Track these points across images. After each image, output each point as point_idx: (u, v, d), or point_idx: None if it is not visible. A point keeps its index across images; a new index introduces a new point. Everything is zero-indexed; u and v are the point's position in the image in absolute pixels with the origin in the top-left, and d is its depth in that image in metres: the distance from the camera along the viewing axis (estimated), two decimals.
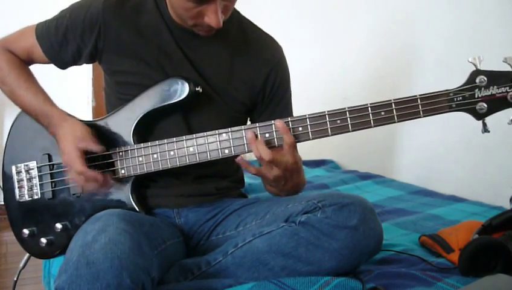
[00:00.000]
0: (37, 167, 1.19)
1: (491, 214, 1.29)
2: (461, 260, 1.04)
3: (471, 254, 1.03)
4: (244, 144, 1.03)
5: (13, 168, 1.22)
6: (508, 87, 0.94)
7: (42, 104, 1.15)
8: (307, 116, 1.00)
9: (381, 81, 2.28)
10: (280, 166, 1.01)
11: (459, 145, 1.85)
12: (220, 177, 1.23)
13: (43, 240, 1.16)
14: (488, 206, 1.64)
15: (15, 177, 1.21)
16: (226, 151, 1.04)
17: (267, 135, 1.01)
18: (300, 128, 1.00)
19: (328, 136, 1.00)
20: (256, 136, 1.02)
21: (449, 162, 1.93)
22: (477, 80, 0.95)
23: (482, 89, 0.95)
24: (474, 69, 0.96)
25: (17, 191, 1.21)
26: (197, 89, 1.09)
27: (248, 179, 1.25)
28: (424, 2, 2.04)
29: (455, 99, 0.96)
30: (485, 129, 0.97)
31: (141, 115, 1.11)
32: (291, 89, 1.25)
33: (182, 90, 1.08)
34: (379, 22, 2.30)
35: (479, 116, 0.96)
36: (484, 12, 1.75)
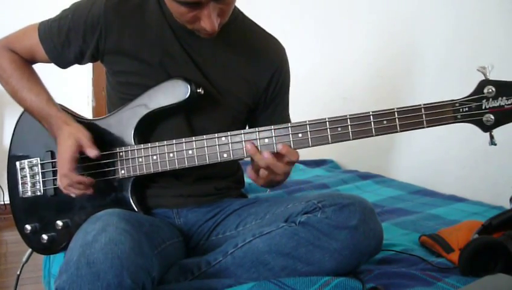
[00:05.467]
0: (40, 164, 1.20)
1: (491, 214, 1.29)
2: (461, 260, 1.04)
3: (471, 254, 1.03)
4: (243, 148, 1.01)
5: (17, 164, 1.23)
6: None
7: (45, 105, 1.14)
8: (307, 122, 0.97)
9: (382, 82, 2.28)
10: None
11: (459, 145, 1.85)
12: (219, 178, 1.23)
13: (45, 237, 1.17)
14: (488, 206, 1.64)
15: (19, 173, 1.22)
16: (225, 155, 1.03)
17: (266, 141, 1.00)
18: (300, 135, 0.98)
19: (328, 143, 0.97)
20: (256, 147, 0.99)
21: (449, 162, 1.93)
22: (485, 90, 0.90)
23: (490, 99, 0.90)
24: (483, 78, 0.90)
25: (20, 187, 1.22)
26: (198, 90, 1.09)
27: (248, 179, 1.24)
28: (425, 3, 2.04)
29: (461, 110, 0.91)
30: (492, 142, 0.92)
31: (142, 116, 1.11)
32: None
33: (183, 91, 1.08)
34: (380, 23, 2.30)
35: (486, 128, 0.92)
36: (485, 14, 1.75)
